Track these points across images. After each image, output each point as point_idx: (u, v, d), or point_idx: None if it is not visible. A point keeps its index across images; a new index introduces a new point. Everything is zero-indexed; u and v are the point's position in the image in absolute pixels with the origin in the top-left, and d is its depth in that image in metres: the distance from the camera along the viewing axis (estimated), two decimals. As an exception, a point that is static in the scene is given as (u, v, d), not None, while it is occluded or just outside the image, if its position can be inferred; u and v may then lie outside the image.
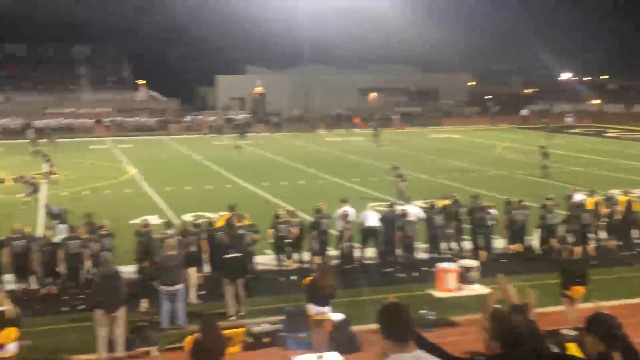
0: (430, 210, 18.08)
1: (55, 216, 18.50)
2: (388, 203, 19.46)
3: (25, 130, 56.30)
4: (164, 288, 13.07)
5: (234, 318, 13.26)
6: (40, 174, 31.74)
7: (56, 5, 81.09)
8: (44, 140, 43.57)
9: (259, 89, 72.66)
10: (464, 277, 15.17)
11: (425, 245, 17.87)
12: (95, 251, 14.80)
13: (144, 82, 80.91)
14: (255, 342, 12.07)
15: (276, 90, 72.90)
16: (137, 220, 20.68)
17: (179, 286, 13.16)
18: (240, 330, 12.07)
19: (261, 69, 78.75)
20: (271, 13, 70.35)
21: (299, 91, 73.57)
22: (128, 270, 15.12)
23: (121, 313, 11.75)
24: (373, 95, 78.30)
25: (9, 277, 14.92)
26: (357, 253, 17.32)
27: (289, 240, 16.73)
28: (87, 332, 12.53)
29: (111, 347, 11.71)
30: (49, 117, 62.10)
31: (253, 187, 29.66)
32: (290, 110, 70.11)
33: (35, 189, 25.59)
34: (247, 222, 16.50)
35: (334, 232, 17.56)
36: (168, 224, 16.84)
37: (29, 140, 42.26)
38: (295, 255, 16.84)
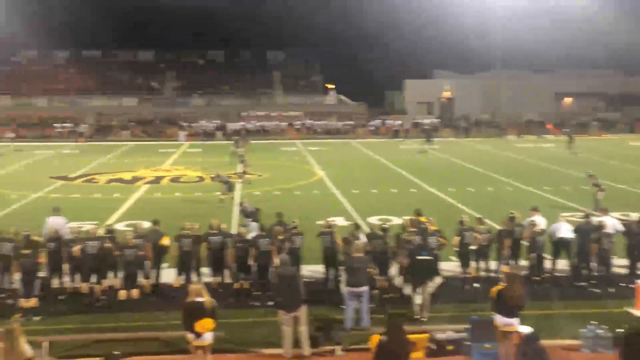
0: (630, 223, 16.91)
1: (248, 214, 19.36)
2: (582, 214, 18.46)
3: (221, 132, 59.79)
4: (349, 289, 13.27)
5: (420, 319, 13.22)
6: (235, 173, 33.46)
7: (253, 14, 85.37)
8: (240, 141, 45.83)
9: (447, 94, 71.92)
10: (667, 295, 14.04)
11: (623, 260, 16.73)
12: (286, 249, 15.30)
13: (333, 86, 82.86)
14: (438, 349, 11.91)
15: (465, 95, 71.81)
16: (323, 221, 21.19)
17: (364, 288, 13.30)
18: (424, 336, 11.97)
19: (450, 73, 77.91)
20: (462, 16, 69.30)
21: (489, 96, 71.91)
22: (314, 270, 15.55)
23: (302, 312, 12.03)
24: (568, 100, 74.80)
25: (206, 270, 15.81)
26: (547, 265, 16.57)
27: (474, 248, 16.34)
28: (275, 327, 13.00)
29: (297, 343, 12.04)
30: (244, 120, 65.35)
31: (439, 192, 29.37)
32: (479, 115, 68.71)
33: (230, 187, 26.97)
34: (432, 227, 16.35)
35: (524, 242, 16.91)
36: (357, 227, 17.06)
37: (232, 142, 44.62)
38: (482, 264, 16.41)
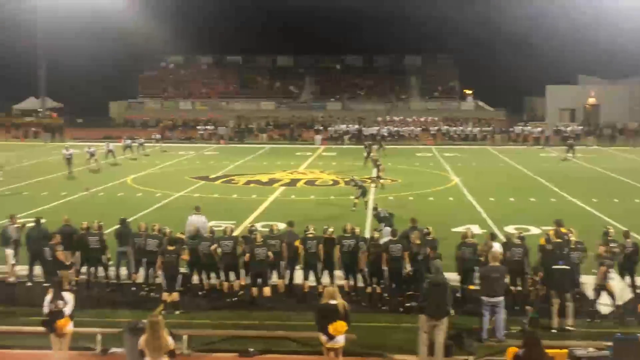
0: None
1: (382, 219, 19.34)
2: None
3: (348, 136, 60.12)
4: (485, 299, 12.95)
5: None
6: (369, 178, 33.54)
7: (391, 18, 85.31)
8: (375, 146, 45.96)
9: (592, 100, 68.89)
10: None
11: None
12: (421, 255, 15.14)
13: (471, 91, 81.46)
14: (577, 365, 11.38)
15: (611, 102, 68.47)
16: (460, 229, 20.84)
17: (500, 298, 12.94)
18: (563, 351, 11.45)
19: (595, 79, 74.62)
20: (609, 19, 66.09)
21: (638, 103, 68.19)
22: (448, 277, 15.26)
23: (443, 322, 11.87)
24: None
25: (339, 273, 15.92)
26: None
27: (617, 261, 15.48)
28: (407, 333, 12.92)
29: (430, 351, 11.89)
30: (379, 125, 65.44)
31: (581, 202, 28.14)
32: (627, 123, 65.27)
33: (363, 192, 27.04)
34: (574, 238, 15.67)
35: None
36: (493, 236, 16.64)
37: (363, 146, 44.82)
38: (627, 278, 15.53)
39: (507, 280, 14.21)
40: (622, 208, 26.98)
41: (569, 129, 62.40)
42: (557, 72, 74.76)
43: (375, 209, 20.68)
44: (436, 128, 64.99)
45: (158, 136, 54.44)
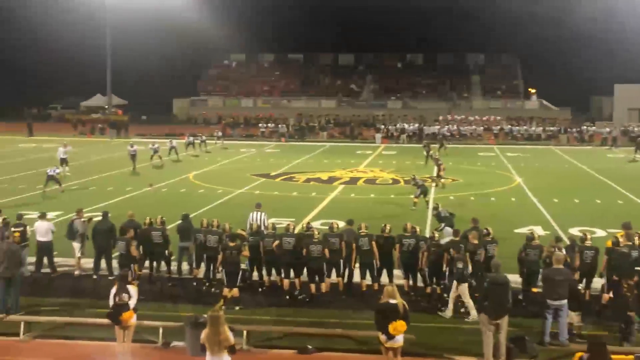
0: None
1: (442, 219, 19.16)
2: None
3: (405, 135, 59.72)
4: (549, 302, 12.70)
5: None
6: (430, 177, 33.26)
7: (453, 16, 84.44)
8: (435, 145, 45.52)
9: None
10: None
11: None
12: (481, 257, 14.95)
13: (535, 90, 79.98)
14: (645, 372, 11.06)
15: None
16: (522, 230, 20.51)
17: (564, 301, 12.67)
18: (629, 357, 11.14)
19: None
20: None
21: None
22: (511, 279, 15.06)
23: (504, 321, 11.71)
24: None
25: (398, 272, 15.84)
26: None
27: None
28: (467, 334, 12.77)
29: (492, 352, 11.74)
30: (440, 124, 64.86)
31: (649, 205, 27.38)
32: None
33: (423, 191, 26.81)
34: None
35: None
36: (557, 238, 16.30)
37: (422, 145, 44.49)
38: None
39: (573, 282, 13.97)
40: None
41: (637, 129, 60.71)
42: (626, 71, 72.71)
43: (435, 208, 20.50)
44: (499, 127, 64.04)
45: (219, 133, 55.08)
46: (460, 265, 14.17)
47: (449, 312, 14.28)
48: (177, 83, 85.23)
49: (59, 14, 75.36)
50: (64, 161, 34.80)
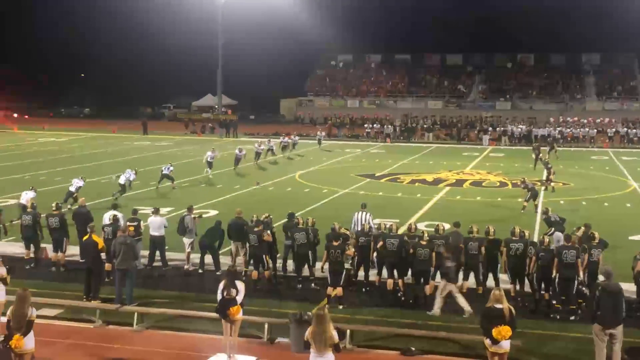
0: None
1: (552, 223, 18.62)
2: None
3: (506, 137, 58.24)
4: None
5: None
6: (539, 180, 32.38)
7: (568, 14, 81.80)
8: (545, 148, 44.21)
9: None
10: None
11: None
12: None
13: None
14: None
15: None
16: (638, 237, 19.68)
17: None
18: None
19: None
20: None
21: None
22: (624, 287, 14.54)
23: (618, 331, 11.28)
24: None
25: (504, 276, 15.53)
26: None
27: None
28: (576, 343, 12.42)
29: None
30: (551, 126, 62.93)
31: None
32: None
33: (533, 194, 26.14)
34: None
35: None
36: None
37: (532, 148, 43.33)
38: None
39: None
40: None
41: None
42: None
43: (545, 212, 19.93)
44: (614, 130, 61.48)
45: (322, 134, 55.18)
46: (449, 264, 14.28)
47: (437, 310, 14.25)
48: (284, 83, 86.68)
49: (172, 16, 78.26)
50: (210, 164, 35.52)
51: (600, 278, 13.82)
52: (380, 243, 15.67)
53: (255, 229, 16.21)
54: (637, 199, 29.53)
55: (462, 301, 14.32)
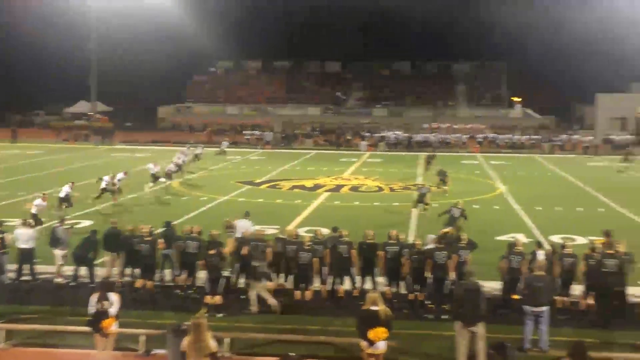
0: None
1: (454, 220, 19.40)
2: None
3: (384, 142, 60.02)
4: (528, 308, 12.82)
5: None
6: (437, 185, 33.01)
7: (440, 25, 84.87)
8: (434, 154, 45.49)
9: (642, 109, 67.44)
10: None
11: None
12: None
13: (520, 99, 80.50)
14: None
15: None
16: (504, 237, 20.64)
17: (544, 308, 12.78)
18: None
19: (648, 88, 72.99)
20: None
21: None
22: (490, 286, 15.25)
23: (480, 328, 11.77)
24: None
25: (381, 279, 15.90)
26: None
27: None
28: (448, 341, 12.82)
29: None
30: (425, 132, 65.11)
31: (630, 213, 27.58)
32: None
33: (421, 195, 26.77)
34: (622, 249, 15.39)
35: None
36: (539, 244, 16.46)
37: (426, 154, 44.76)
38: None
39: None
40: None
41: (617, 138, 61.24)
42: (609, 80, 73.33)
43: (448, 212, 20.77)
44: (483, 136, 64.37)
45: (227, 142, 54.40)
46: (256, 263, 14.94)
47: (254, 308, 14.72)
48: (162, 90, 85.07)
49: (43, 19, 75.09)
50: (155, 178, 32.93)
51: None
52: (269, 249, 15.73)
53: (146, 239, 15.97)
54: (504, 201, 31.00)
55: (269, 298, 14.75)
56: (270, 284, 15.56)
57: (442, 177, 32.82)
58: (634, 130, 66.35)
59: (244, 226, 17.90)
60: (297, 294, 15.33)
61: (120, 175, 29.56)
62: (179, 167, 36.08)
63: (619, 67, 73.57)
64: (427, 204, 26.32)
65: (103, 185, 28.47)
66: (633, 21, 65.83)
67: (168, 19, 69.65)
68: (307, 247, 15.41)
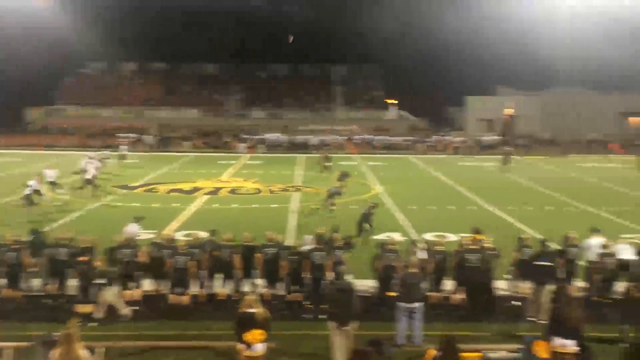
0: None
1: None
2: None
3: (264, 145, 60.32)
4: (403, 305, 13.19)
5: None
6: (294, 185, 33.46)
7: (317, 28, 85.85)
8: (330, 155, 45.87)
9: (509, 111, 70.96)
10: None
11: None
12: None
13: (395, 101, 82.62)
14: (491, 368, 11.72)
15: (527, 113, 70.83)
16: (381, 237, 21.15)
17: (418, 304, 13.20)
18: (477, 354, 11.76)
19: (512, 91, 76.89)
20: (525, 33, 68.54)
21: (551, 114, 70.74)
22: (366, 284, 15.62)
23: (352, 326, 11.99)
24: (635, 120, 72.90)
25: (260, 281, 15.92)
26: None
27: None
28: (327, 341, 13.01)
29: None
30: (304, 134, 65.73)
31: (498, 210, 28.95)
32: (541, 133, 67.66)
33: (331, 194, 27.08)
34: (488, 244, 16.15)
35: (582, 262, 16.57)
36: (413, 243, 17.00)
37: (320, 156, 45.07)
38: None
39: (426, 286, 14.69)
40: (535, 215, 27.90)
41: (486, 139, 64.14)
42: (477, 84, 76.73)
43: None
44: (360, 137, 65.71)
45: (125, 147, 52.66)
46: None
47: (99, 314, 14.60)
48: (31, 91, 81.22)
49: None
50: (53, 184, 32.13)
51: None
52: (141, 254, 15.42)
53: (13, 247, 15.42)
54: (380, 201, 31.70)
55: (120, 306, 14.63)
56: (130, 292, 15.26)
57: (342, 179, 33.24)
58: (501, 131, 69.73)
59: (130, 231, 17.53)
60: (174, 298, 15.10)
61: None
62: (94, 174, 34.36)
63: (487, 71, 77.19)
64: (333, 204, 26.79)
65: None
66: (499, 26, 69.15)
67: (36, 17, 66.73)
68: (183, 251, 15.24)
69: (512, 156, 47.89)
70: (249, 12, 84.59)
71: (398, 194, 33.79)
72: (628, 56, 66.48)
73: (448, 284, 15.85)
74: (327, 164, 42.23)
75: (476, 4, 71.31)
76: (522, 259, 15.91)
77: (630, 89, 73.36)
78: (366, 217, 22.43)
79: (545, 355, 10.14)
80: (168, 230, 21.85)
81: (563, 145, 62.76)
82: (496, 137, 65.62)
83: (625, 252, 16.13)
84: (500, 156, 48.05)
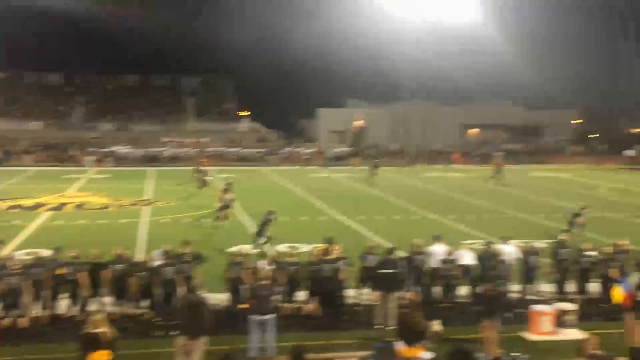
0: (527, 250, 17.56)
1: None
2: (484, 241, 18.98)
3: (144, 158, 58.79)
4: (255, 317, 13.16)
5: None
6: (143, 200, 32.70)
7: (168, 39, 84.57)
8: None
9: (359, 122, 73.04)
10: (560, 320, 14.60)
11: (519, 286, 17.29)
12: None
13: (248, 113, 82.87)
14: (342, 376, 11.92)
15: (375, 124, 73.23)
16: (233, 249, 21.06)
17: (270, 316, 13.23)
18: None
19: (362, 103, 79.28)
20: (374, 48, 71.08)
21: (399, 125, 73.60)
22: (219, 298, 15.47)
23: (202, 341, 11.81)
24: (473, 131, 77.28)
25: (108, 299, 15.38)
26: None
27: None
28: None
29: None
30: (155, 146, 64.42)
31: (348, 219, 29.63)
32: (389, 145, 70.16)
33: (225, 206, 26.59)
34: (336, 254, 16.48)
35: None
36: (262, 254, 17.05)
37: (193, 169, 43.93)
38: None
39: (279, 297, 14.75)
40: (385, 224, 28.81)
41: (338, 150, 65.69)
42: (329, 96, 78.56)
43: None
44: (212, 149, 65.28)
45: None
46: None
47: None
48: None
49: None
50: None
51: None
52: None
53: None
54: (232, 213, 31.54)
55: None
56: None
57: (228, 191, 32.73)
58: (351, 143, 71.67)
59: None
60: (8, 322, 14.25)
61: None
62: None
63: (338, 84, 79.24)
64: (226, 217, 26.90)
65: None
66: (350, 41, 71.30)
67: None
68: (16, 271, 14.42)
69: (378, 168, 48.94)
70: (96, 20, 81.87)
71: (250, 205, 33.70)
72: (465, 69, 70.66)
73: (301, 295, 16.01)
74: (206, 177, 40.96)
75: (327, 19, 73.15)
76: (367, 266, 16.36)
77: (470, 101, 77.96)
78: (264, 225, 22.29)
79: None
80: (6, 250, 20.65)
81: (410, 155, 65.33)
82: (346, 149, 67.32)
83: (466, 258, 16.98)
84: (367, 167, 49.09)
